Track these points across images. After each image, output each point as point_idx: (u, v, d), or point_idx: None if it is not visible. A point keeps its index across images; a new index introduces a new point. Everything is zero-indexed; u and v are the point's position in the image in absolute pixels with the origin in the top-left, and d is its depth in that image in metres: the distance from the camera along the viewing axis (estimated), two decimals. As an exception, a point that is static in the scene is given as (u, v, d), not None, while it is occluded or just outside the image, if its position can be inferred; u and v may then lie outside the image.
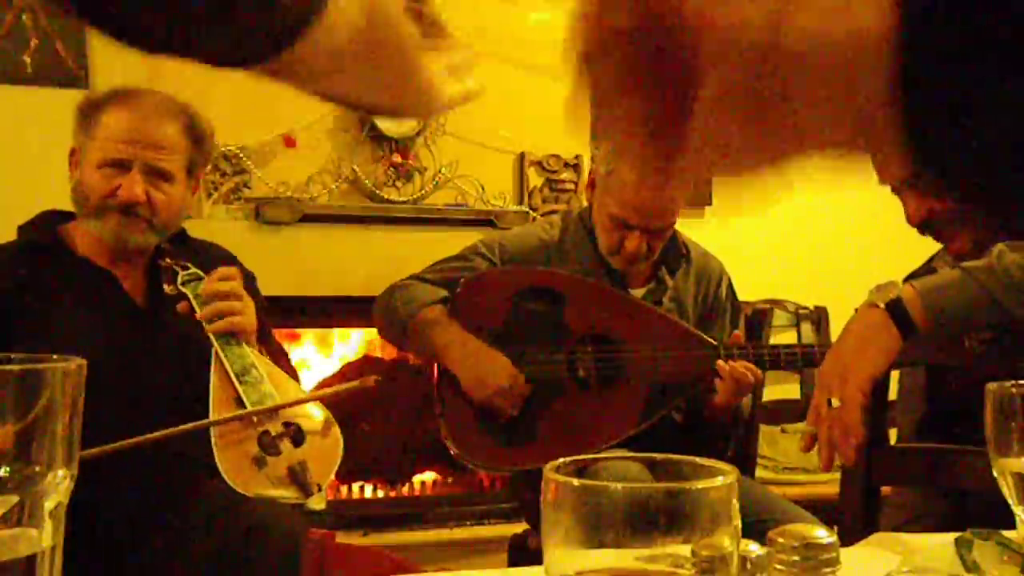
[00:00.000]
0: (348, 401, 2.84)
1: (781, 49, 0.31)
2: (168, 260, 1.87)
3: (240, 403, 1.76)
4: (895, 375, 1.74)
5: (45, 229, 1.90)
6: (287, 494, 1.69)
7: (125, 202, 1.81)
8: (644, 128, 0.37)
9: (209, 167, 2.91)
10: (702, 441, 2.27)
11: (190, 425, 1.70)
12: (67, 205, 1.94)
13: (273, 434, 1.76)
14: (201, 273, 1.85)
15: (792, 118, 0.32)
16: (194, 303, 1.81)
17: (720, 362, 2.01)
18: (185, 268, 1.85)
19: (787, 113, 0.32)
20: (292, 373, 1.98)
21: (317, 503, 1.71)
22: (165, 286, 1.84)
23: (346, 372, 3.21)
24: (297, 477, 1.71)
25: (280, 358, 1.98)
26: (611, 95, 0.37)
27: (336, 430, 1.83)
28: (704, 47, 0.33)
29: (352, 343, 3.34)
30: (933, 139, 0.29)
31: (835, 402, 1.35)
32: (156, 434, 1.68)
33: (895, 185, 1.67)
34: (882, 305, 1.38)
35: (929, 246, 1.82)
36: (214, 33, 0.47)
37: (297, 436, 1.77)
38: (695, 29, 0.33)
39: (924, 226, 1.62)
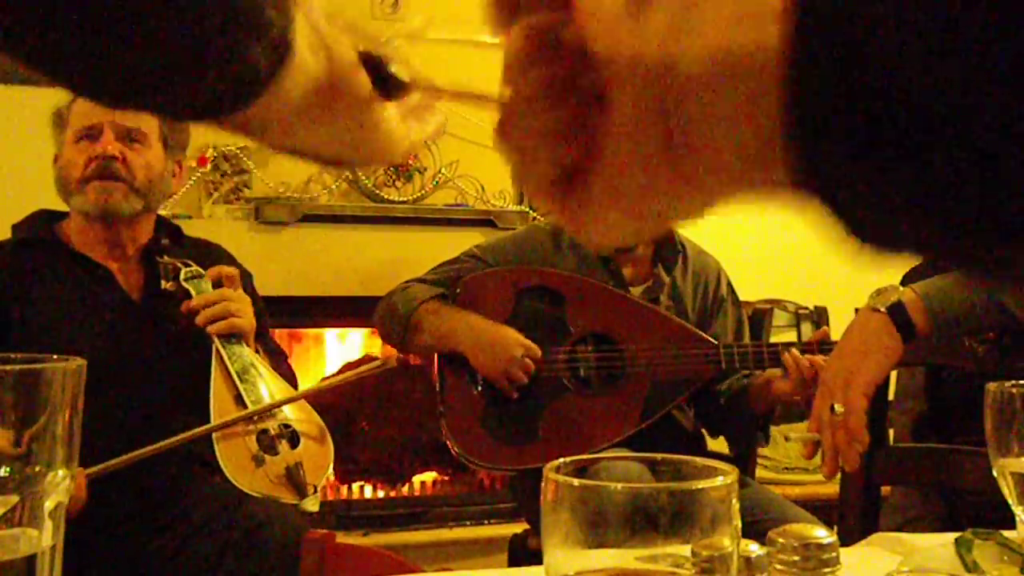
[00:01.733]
0: (349, 399, 2.85)
1: (678, 74, 0.31)
2: (167, 257, 1.88)
3: (240, 401, 1.77)
4: (893, 375, 1.74)
5: (40, 226, 1.91)
6: (284, 494, 1.69)
7: (100, 158, 1.81)
8: (556, 168, 0.37)
9: (209, 167, 2.92)
10: (704, 442, 2.26)
11: (195, 431, 1.71)
12: (62, 205, 1.95)
13: (272, 434, 1.76)
14: (203, 271, 1.86)
15: (693, 158, 0.32)
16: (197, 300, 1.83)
17: (787, 355, 1.98)
18: (187, 265, 1.86)
19: (690, 151, 0.32)
20: (290, 375, 1.98)
21: (312, 505, 1.71)
22: (163, 282, 1.85)
23: (345, 372, 3.21)
24: (294, 477, 1.71)
25: (278, 359, 1.98)
26: (526, 137, 0.37)
27: (327, 435, 1.84)
28: (609, 77, 0.33)
29: (352, 343, 3.34)
30: (824, 179, 0.29)
31: (838, 408, 1.34)
32: (162, 444, 1.69)
33: None
34: (883, 309, 1.38)
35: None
36: (177, 88, 0.47)
37: (294, 438, 1.78)
38: (599, 60, 0.33)
39: None
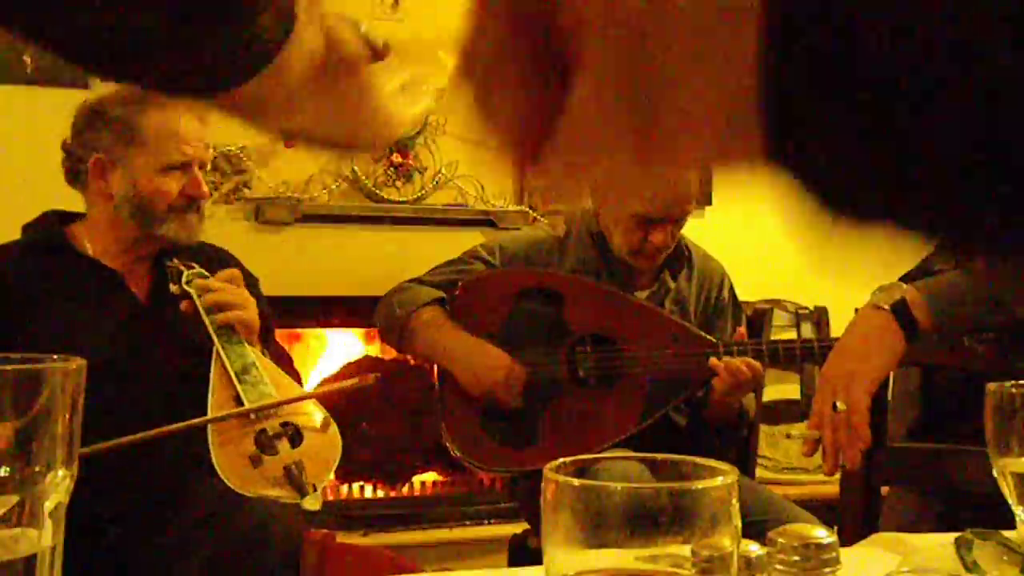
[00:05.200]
0: (348, 401, 2.85)
1: (652, 34, 0.29)
2: (175, 260, 1.88)
3: (239, 402, 1.76)
4: (888, 379, 1.73)
5: (51, 228, 1.91)
6: (282, 494, 1.69)
7: (197, 199, 1.88)
8: (521, 125, 0.34)
9: (209, 167, 2.92)
10: (702, 443, 2.27)
11: (189, 423, 1.71)
12: (68, 205, 1.95)
13: (270, 433, 1.76)
14: (206, 273, 1.87)
15: (663, 123, 0.30)
16: (197, 301, 1.83)
17: (714, 359, 2.00)
18: (190, 267, 1.87)
19: (660, 114, 0.30)
20: (295, 377, 1.98)
21: (312, 504, 1.71)
22: (171, 286, 1.85)
23: (346, 372, 3.21)
24: (293, 477, 1.71)
25: (283, 362, 1.98)
26: (488, 93, 0.35)
27: (335, 431, 1.83)
28: (582, 35, 0.31)
29: (352, 343, 3.34)
30: (800, 150, 0.28)
31: (840, 405, 1.34)
32: (152, 432, 1.68)
33: None
34: (887, 307, 1.37)
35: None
36: (182, 55, 0.44)
37: (295, 436, 1.77)
38: (573, 16, 0.31)
39: None
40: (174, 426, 1.70)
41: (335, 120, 0.58)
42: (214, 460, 1.69)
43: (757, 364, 2.00)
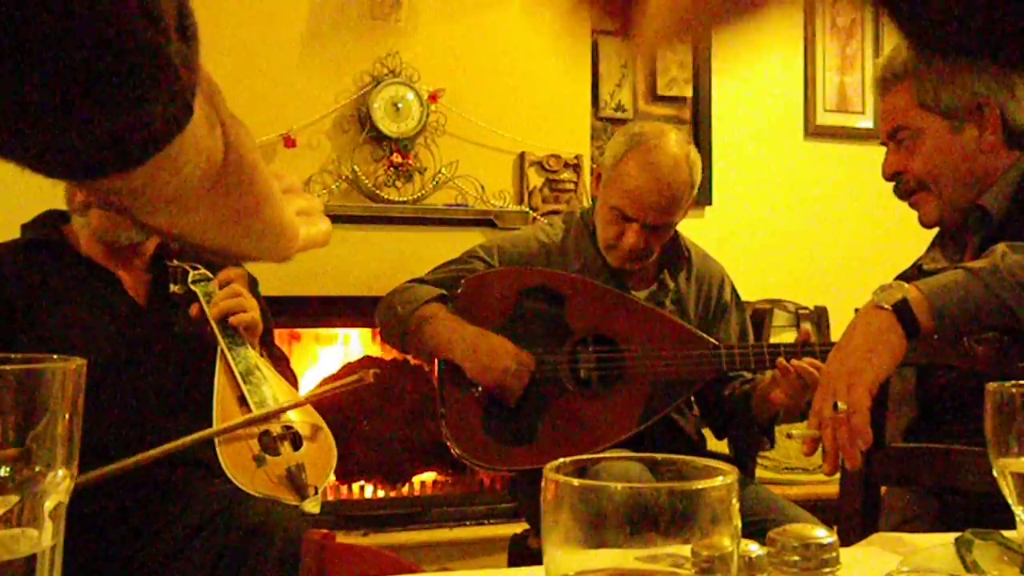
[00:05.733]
0: (349, 399, 2.85)
1: None
2: (176, 261, 1.88)
3: (243, 403, 1.77)
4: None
5: (49, 228, 1.91)
6: (284, 495, 1.70)
7: None
8: None
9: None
10: (740, 439, 2.25)
11: (197, 435, 1.71)
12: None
13: (274, 435, 1.76)
14: (210, 274, 1.87)
15: None
16: (203, 302, 1.83)
17: (781, 360, 1.96)
18: (195, 268, 1.87)
19: None
20: (292, 379, 1.98)
21: (312, 507, 1.71)
22: (172, 286, 1.85)
23: (346, 372, 3.21)
24: (295, 479, 1.71)
25: (281, 363, 1.99)
26: None
27: (329, 436, 1.84)
28: None
29: (352, 343, 3.34)
30: None
31: (842, 405, 1.33)
32: (162, 448, 1.69)
33: (883, 140, 1.72)
34: (888, 307, 1.37)
35: (925, 246, 1.82)
36: (56, 142, 0.41)
37: (296, 439, 1.78)
38: None
39: (896, 187, 1.73)
40: (181, 441, 1.70)
41: (230, 227, 0.56)
42: (220, 458, 1.70)
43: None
